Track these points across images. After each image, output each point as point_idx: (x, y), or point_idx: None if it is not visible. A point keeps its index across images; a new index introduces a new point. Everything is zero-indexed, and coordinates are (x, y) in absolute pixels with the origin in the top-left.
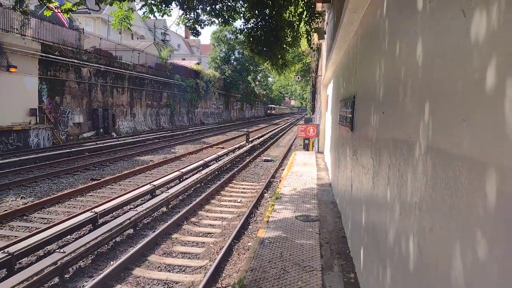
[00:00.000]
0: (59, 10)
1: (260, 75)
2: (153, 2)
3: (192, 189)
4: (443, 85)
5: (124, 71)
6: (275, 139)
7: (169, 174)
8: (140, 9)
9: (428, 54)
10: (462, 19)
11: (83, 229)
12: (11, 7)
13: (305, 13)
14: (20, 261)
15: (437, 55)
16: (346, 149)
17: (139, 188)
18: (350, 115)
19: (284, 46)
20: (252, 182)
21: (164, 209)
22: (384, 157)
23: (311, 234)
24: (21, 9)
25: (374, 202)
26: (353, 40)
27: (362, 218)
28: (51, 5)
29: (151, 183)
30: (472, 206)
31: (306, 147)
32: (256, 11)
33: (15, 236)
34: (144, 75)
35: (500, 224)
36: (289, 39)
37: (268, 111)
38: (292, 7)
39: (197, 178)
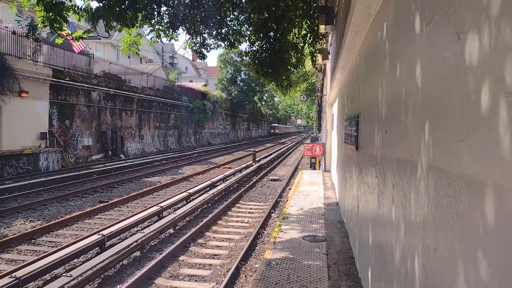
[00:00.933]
0: (70, 38)
1: (266, 95)
2: (160, 28)
3: (199, 210)
4: (441, 106)
5: (132, 94)
6: (281, 158)
7: (176, 195)
8: (148, 34)
9: (426, 75)
10: (457, 42)
11: (91, 252)
12: (24, 34)
13: (309, 35)
14: (27, 285)
15: (435, 76)
16: (352, 168)
17: (146, 209)
18: (355, 134)
19: (289, 67)
20: (259, 202)
21: (171, 230)
22: (388, 176)
23: (318, 254)
24: (33, 36)
25: (380, 221)
26: (356, 60)
27: (369, 238)
28: (63, 33)
29: (159, 205)
30: (473, 226)
31: (313, 166)
32: (261, 34)
33: (23, 260)
34: (152, 97)
35: (500, 243)
36: (294, 61)
37: (272, 131)
38: (296, 29)
39: (204, 199)
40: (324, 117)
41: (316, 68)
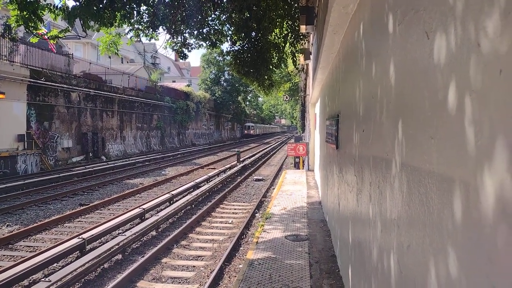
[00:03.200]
0: (47, 37)
1: (250, 95)
2: (140, 27)
3: (183, 211)
4: (413, 104)
5: (114, 94)
6: (266, 158)
7: (159, 197)
8: (127, 33)
9: (399, 74)
10: (426, 41)
11: (70, 256)
12: None
13: (290, 35)
14: None
15: (407, 74)
16: (333, 166)
17: (128, 212)
18: (335, 133)
19: (270, 67)
20: (244, 202)
21: (154, 233)
22: (366, 174)
23: (300, 253)
24: (9, 36)
25: (359, 219)
26: (335, 60)
27: (349, 235)
28: (39, 32)
29: (141, 207)
30: (442, 222)
31: (296, 166)
32: (242, 34)
33: None
34: (134, 98)
35: (467, 239)
36: (275, 60)
37: (245, 131)
38: (277, 29)
39: (187, 200)
40: (308, 117)
41: (297, 68)
